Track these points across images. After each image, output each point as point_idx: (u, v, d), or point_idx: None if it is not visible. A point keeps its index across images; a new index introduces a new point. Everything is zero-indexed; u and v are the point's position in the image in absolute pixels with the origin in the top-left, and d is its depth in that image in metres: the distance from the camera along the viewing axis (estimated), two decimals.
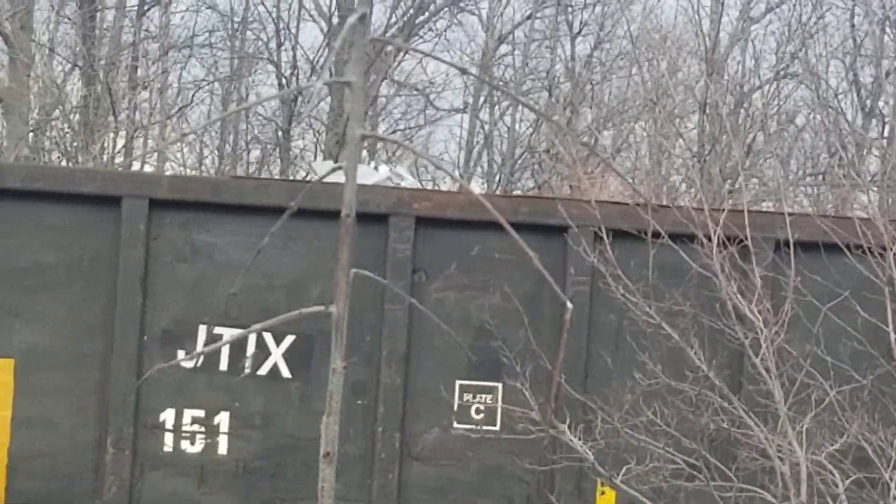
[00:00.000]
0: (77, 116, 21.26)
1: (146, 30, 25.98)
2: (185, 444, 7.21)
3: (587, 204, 7.63)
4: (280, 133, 27.34)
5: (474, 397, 7.67)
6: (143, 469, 7.20)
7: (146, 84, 23.84)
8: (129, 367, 7.12)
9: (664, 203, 10.28)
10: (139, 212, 7.15)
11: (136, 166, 22.59)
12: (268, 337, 7.25)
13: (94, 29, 23.87)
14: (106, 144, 21.05)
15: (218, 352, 7.29)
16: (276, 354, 7.30)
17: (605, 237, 7.27)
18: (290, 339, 7.22)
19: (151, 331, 7.21)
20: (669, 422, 7.16)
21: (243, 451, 7.44)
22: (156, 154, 23.72)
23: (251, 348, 7.23)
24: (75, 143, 20.15)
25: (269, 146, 28.04)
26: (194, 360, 7.18)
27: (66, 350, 7.19)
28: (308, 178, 10.71)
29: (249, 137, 28.53)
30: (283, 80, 27.25)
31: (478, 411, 7.66)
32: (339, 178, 8.76)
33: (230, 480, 7.45)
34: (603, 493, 7.67)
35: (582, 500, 7.67)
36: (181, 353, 7.14)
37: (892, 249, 7.31)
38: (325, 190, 6.93)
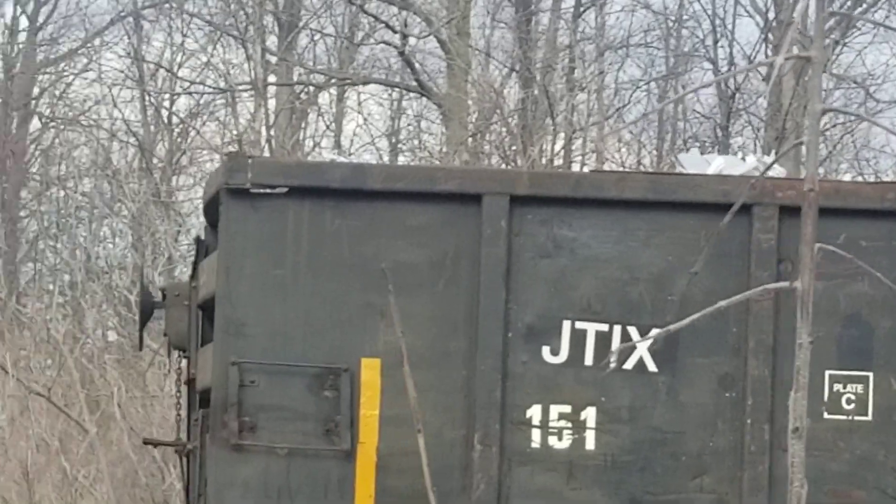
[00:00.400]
0: (515, 120, 21.51)
1: (582, 31, 26.92)
2: (552, 440, 7.34)
3: None
4: (718, 130, 27.73)
5: (844, 387, 7.57)
6: (511, 465, 7.35)
7: (583, 86, 24.36)
8: (494, 365, 7.27)
9: None
10: (500, 209, 7.30)
11: (575, 167, 22.72)
12: (632, 330, 7.30)
13: (529, 32, 24.77)
14: (544, 147, 21.47)
15: (583, 347, 7.32)
16: (642, 348, 7.36)
17: None
18: (654, 332, 7.08)
19: (515, 327, 7.35)
20: None
21: (611, 445, 7.52)
22: (594, 155, 23.88)
23: (616, 342, 7.20)
24: (514, 147, 20.45)
25: (707, 143, 28.17)
26: (559, 356, 7.18)
27: (431, 348, 7.37)
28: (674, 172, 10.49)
29: (687, 136, 28.89)
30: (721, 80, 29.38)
31: (848, 401, 7.58)
32: (701, 168, 8.86)
33: (598, 475, 7.49)
34: None
35: None
36: (545, 349, 7.23)
37: None
38: (684, 182, 7.48)
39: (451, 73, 20.02)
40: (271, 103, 20.45)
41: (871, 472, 7.65)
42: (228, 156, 9.99)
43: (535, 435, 7.55)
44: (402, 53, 18.99)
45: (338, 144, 21.63)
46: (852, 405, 7.61)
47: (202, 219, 9.12)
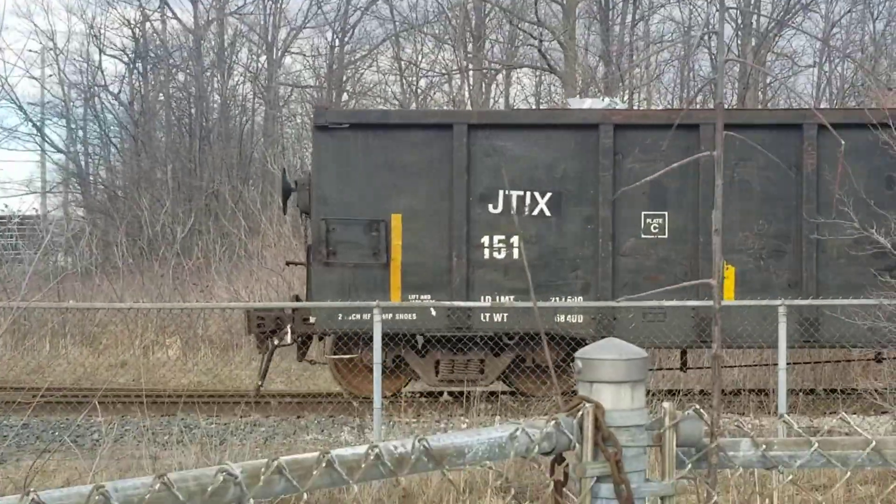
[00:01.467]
0: (601, 87, 30.40)
1: (636, 34, 35.41)
2: (495, 254, 12.69)
3: None
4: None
5: (652, 220, 13.33)
6: (474, 269, 12.95)
7: (637, 64, 33.26)
8: (462, 215, 12.47)
9: None
10: (462, 132, 12.65)
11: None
12: (537, 195, 12.81)
13: (608, 36, 33.51)
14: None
15: (510, 204, 13.93)
16: (542, 203, 12.82)
17: None
18: (548, 195, 12.83)
19: (474, 194, 12.73)
20: None
21: (528, 256, 13.32)
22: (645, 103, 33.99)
23: (527, 201, 12.88)
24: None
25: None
26: (497, 209, 14.07)
27: (428, 208, 12.90)
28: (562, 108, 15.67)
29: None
30: None
31: (654, 228, 13.28)
32: (578, 106, 14.78)
33: (521, 272, 13.20)
34: None
35: None
36: (490, 206, 13.47)
37: None
38: (562, 113, 14.62)
39: (566, 60, 29.76)
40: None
41: (667, 266, 13.78)
42: (315, 107, 16.08)
43: (486, 252, 13.71)
44: (539, 50, 29.91)
45: (507, 103, 35.55)
46: (657, 230, 13.52)
47: None
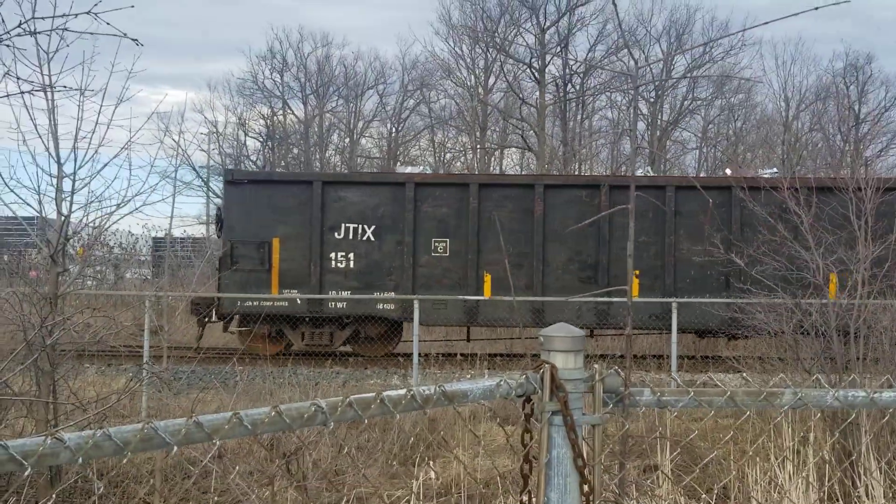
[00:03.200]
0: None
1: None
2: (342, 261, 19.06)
3: None
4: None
5: (438, 244, 17.80)
6: (326, 273, 17.33)
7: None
8: (317, 239, 17.50)
9: None
10: (318, 187, 17.96)
11: None
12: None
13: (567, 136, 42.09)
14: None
15: (348, 234, 19.32)
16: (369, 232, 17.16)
17: None
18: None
19: (325, 225, 17.07)
20: None
21: (358, 263, 17.30)
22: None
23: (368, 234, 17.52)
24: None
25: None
26: (340, 235, 20.06)
27: (298, 233, 16.73)
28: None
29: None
30: None
31: (440, 249, 17.66)
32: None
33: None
34: None
35: None
36: (335, 233, 18.78)
37: None
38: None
39: (539, 143, 39.52)
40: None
41: (449, 273, 16.94)
42: (226, 170, 23.19)
43: (332, 263, 16.76)
44: (522, 136, 42.11)
45: (501, 169, 44.91)
46: (442, 250, 17.05)
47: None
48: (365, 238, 17.72)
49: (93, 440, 2.13)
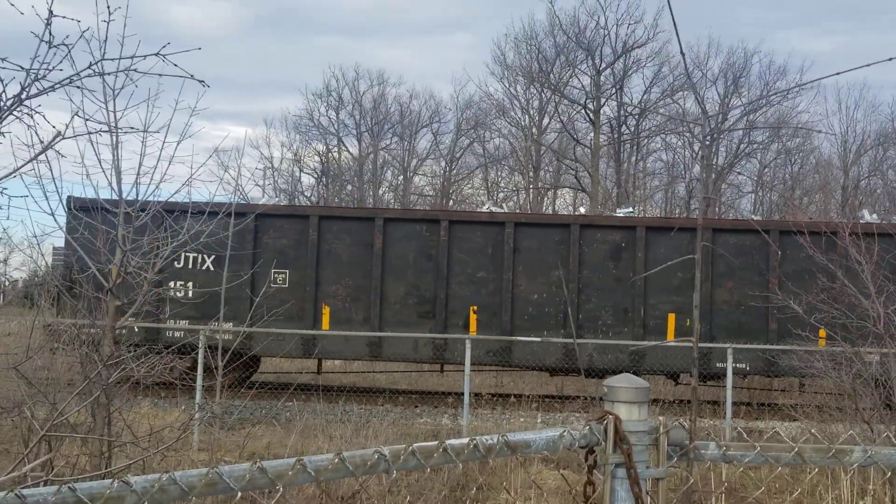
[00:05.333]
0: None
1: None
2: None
3: None
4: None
5: (278, 276, 17.11)
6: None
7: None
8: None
9: None
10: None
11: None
12: None
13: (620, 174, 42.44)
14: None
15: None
16: None
17: None
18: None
19: None
20: None
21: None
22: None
23: None
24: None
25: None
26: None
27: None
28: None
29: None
30: None
31: (280, 280, 16.89)
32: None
33: None
34: None
35: None
36: None
37: None
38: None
39: (592, 183, 39.69)
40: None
41: (287, 303, 16.76)
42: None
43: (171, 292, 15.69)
44: (575, 176, 42.46)
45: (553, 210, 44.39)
46: (281, 281, 17.02)
47: None
48: (205, 268, 17.52)
49: (159, 484, 2.15)
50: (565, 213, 36.90)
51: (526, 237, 17.42)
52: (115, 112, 8.87)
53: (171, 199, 10.26)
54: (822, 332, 14.73)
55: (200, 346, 13.35)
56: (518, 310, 17.27)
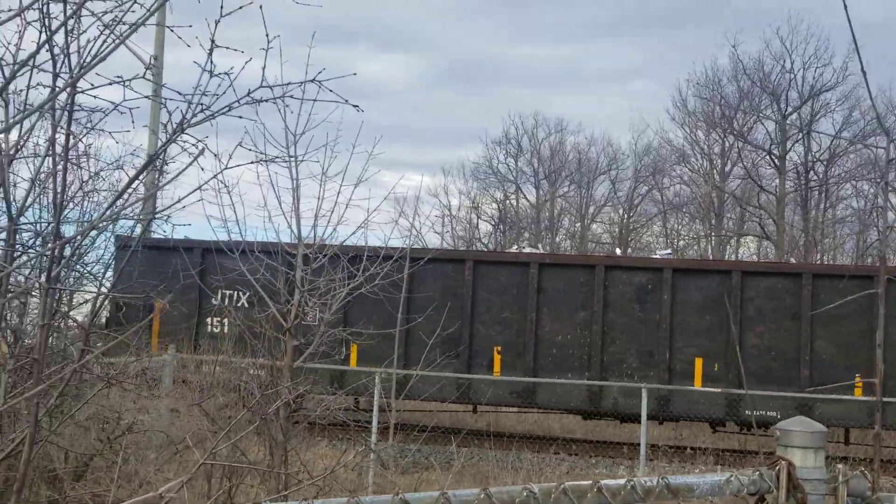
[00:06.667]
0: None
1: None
2: None
3: None
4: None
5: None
6: None
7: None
8: None
9: None
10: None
11: None
12: None
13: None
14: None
15: None
16: None
17: None
18: None
19: None
20: None
21: None
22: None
23: None
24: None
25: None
26: None
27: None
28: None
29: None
30: None
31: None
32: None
33: None
34: None
35: None
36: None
37: None
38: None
39: (778, 231, 39.22)
40: None
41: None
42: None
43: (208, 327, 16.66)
44: (759, 224, 41.79)
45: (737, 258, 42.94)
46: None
47: None
48: (240, 304, 17.11)
49: None
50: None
51: (552, 278, 17.59)
52: (295, 157, 9.17)
53: (347, 243, 10.49)
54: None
55: (376, 387, 13.46)
56: (542, 350, 17.45)
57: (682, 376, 16.36)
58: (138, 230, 9.23)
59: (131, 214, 5.30)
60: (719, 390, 15.74)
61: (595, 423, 19.38)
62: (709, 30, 63.43)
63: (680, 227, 46.86)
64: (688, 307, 16.50)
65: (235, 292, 17.63)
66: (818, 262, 34.90)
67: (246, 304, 16.88)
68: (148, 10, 3.42)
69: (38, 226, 6.29)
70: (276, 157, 7.84)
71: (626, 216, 47.97)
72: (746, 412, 15.84)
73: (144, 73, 4.02)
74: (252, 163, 5.53)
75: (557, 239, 46.96)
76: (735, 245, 43.21)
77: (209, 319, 18.06)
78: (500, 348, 17.16)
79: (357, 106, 4.30)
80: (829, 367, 16.16)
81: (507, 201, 49.59)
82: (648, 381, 16.06)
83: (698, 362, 16.57)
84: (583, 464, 16.05)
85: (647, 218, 47.69)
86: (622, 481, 2.52)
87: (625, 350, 16.85)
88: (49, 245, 3.93)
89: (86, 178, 6.55)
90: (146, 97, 4.43)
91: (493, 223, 50.47)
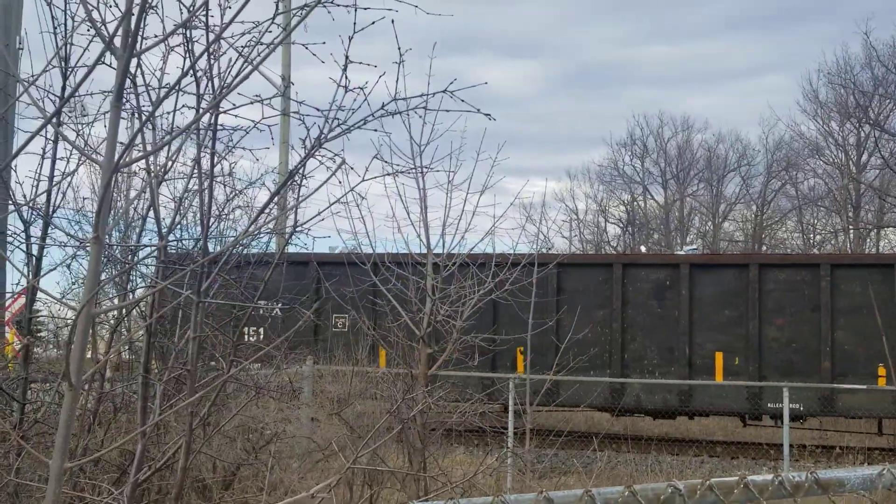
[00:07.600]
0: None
1: None
2: None
3: None
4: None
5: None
6: None
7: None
8: None
9: None
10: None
11: None
12: None
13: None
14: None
15: None
16: None
17: None
18: None
19: None
20: None
21: None
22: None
23: None
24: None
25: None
26: None
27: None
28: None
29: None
30: None
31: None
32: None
33: None
34: None
35: None
36: None
37: None
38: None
39: None
40: None
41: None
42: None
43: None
44: None
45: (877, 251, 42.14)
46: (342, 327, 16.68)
47: None
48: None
49: None
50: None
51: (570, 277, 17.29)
52: (421, 168, 9.34)
53: (475, 250, 10.60)
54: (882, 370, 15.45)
55: (511, 392, 13.57)
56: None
57: (703, 370, 16.78)
58: (273, 244, 9.54)
59: (275, 228, 5.53)
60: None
61: (735, 426, 18.96)
62: (836, 20, 61.62)
63: (816, 222, 45.62)
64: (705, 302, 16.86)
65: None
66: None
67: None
68: (285, 30, 3.60)
69: (180, 244, 6.58)
70: (407, 169, 8.00)
71: (759, 213, 47.12)
72: (774, 405, 16.40)
73: (284, 92, 4.21)
74: (383, 175, 5.67)
75: (688, 239, 46.24)
76: (875, 237, 41.49)
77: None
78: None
79: (489, 115, 4.41)
80: (850, 357, 16.38)
81: (635, 203, 48.81)
82: (669, 377, 17.31)
83: (718, 356, 16.85)
84: (724, 465, 15.92)
85: (782, 214, 46.75)
86: (769, 477, 2.52)
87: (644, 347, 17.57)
88: (199, 261, 4.14)
89: (229, 195, 6.86)
90: (283, 114, 4.62)
91: (621, 226, 50.11)
